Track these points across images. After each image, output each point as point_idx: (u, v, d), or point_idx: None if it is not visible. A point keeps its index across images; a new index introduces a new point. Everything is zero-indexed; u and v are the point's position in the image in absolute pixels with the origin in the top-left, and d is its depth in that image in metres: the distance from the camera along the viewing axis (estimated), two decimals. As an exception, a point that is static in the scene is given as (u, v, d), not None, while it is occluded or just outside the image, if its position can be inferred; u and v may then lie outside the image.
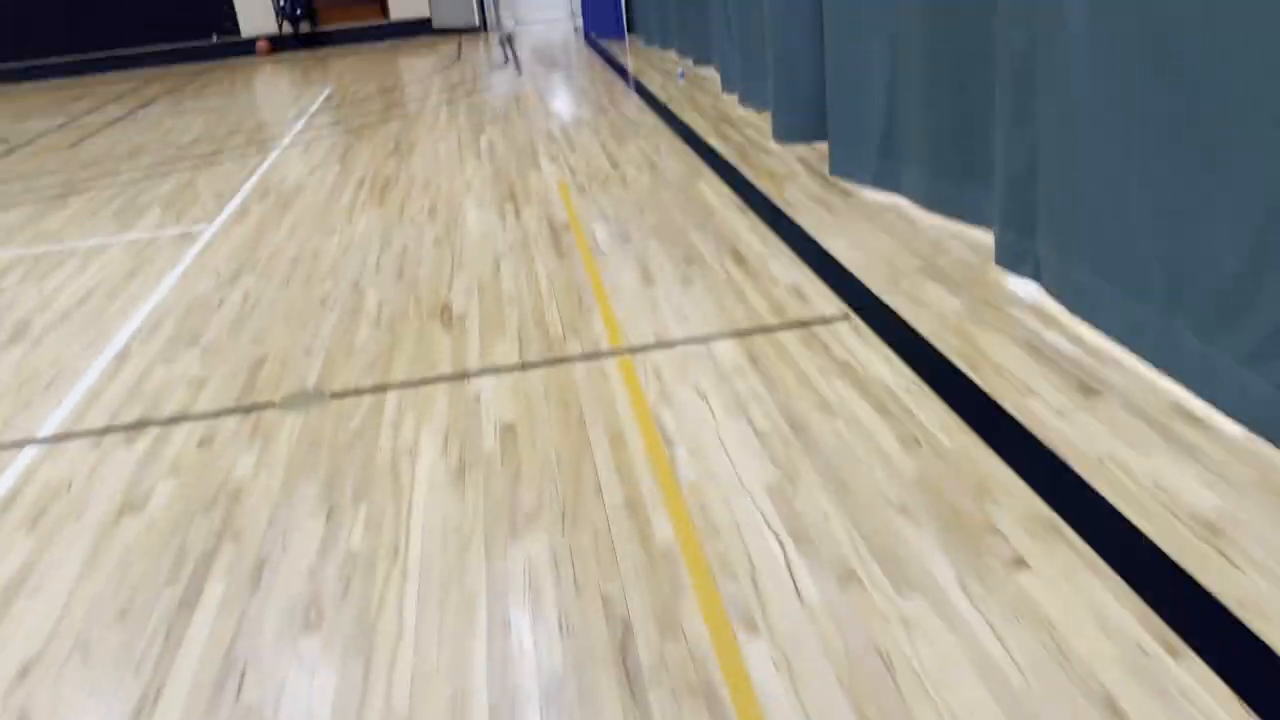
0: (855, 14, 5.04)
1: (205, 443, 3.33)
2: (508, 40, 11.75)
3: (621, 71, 10.84)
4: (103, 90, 14.12)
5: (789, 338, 3.61)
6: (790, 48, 6.06)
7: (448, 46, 15.01)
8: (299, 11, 16.08)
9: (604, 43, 13.40)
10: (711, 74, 9.10)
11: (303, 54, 16.12)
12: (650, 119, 7.99)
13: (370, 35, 16.48)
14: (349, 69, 13.78)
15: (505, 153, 7.38)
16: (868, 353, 3.43)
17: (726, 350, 3.58)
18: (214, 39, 16.41)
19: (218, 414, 3.55)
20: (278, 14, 16.14)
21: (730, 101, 8.04)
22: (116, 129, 10.55)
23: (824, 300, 3.93)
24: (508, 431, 3.17)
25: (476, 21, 16.34)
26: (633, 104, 8.89)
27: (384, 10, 16.82)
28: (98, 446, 3.41)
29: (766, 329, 3.71)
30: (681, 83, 9.83)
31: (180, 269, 5.39)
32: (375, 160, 7.62)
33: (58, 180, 8.24)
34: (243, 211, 6.45)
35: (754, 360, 3.46)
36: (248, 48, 16.37)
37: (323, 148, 8.39)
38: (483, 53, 14.09)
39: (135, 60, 16.22)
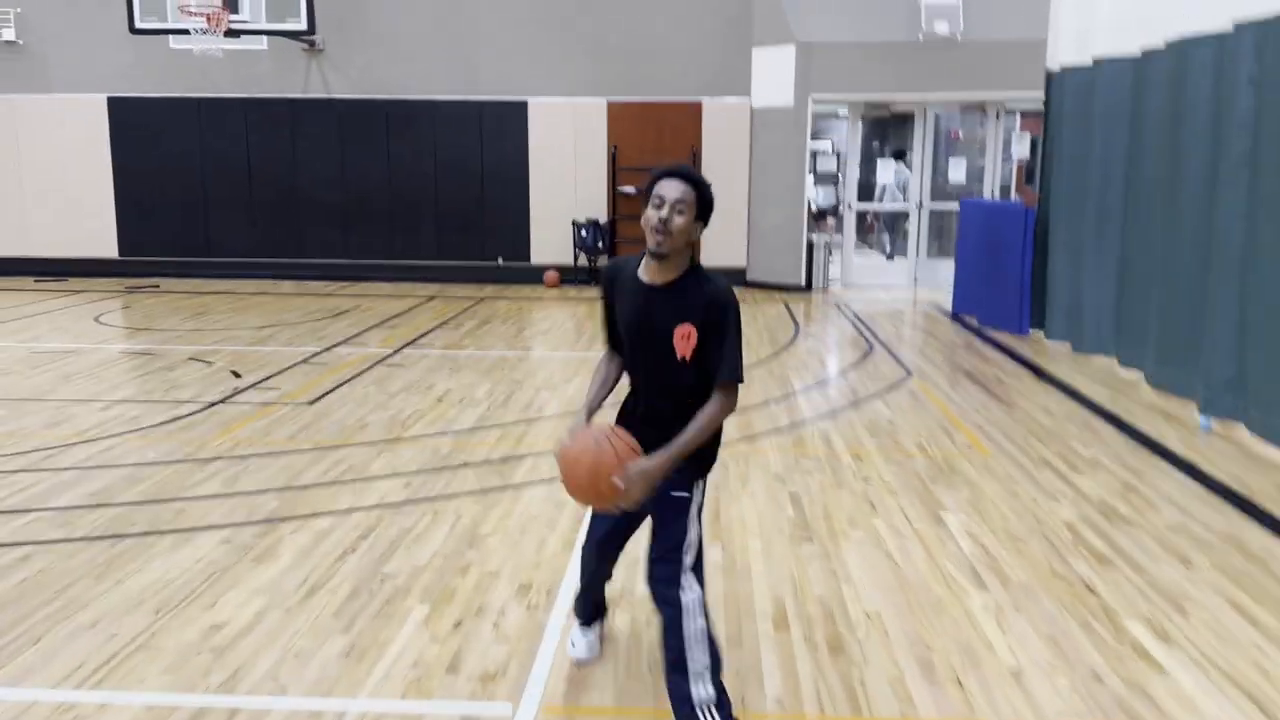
0: None
1: None
2: None
3: (1067, 392, 7.50)
4: (371, 306, 12.16)
5: None
6: None
7: (771, 307, 12.28)
8: (600, 244, 13.91)
9: (987, 331, 10.23)
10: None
11: (590, 291, 13.86)
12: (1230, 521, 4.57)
13: (671, 278, 14.12)
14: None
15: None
16: None
17: None
18: (500, 262, 14.47)
19: None
20: (577, 244, 14.03)
21: None
22: (373, 378, 8.11)
23: None
24: None
25: (802, 279, 13.61)
26: (1165, 478, 5.52)
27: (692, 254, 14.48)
28: None
29: None
30: (1206, 432, 6.36)
31: None
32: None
33: (275, 482, 5.59)
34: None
35: None
36: (534, 275, 14.32)
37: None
38: (824, 325, 11.17)
39: (412, 272, 14.46)
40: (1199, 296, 7.03)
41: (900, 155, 15.04)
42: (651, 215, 2.95)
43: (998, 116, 13.87)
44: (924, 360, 9.10)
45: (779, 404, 7.42)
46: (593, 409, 3.22)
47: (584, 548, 3.56)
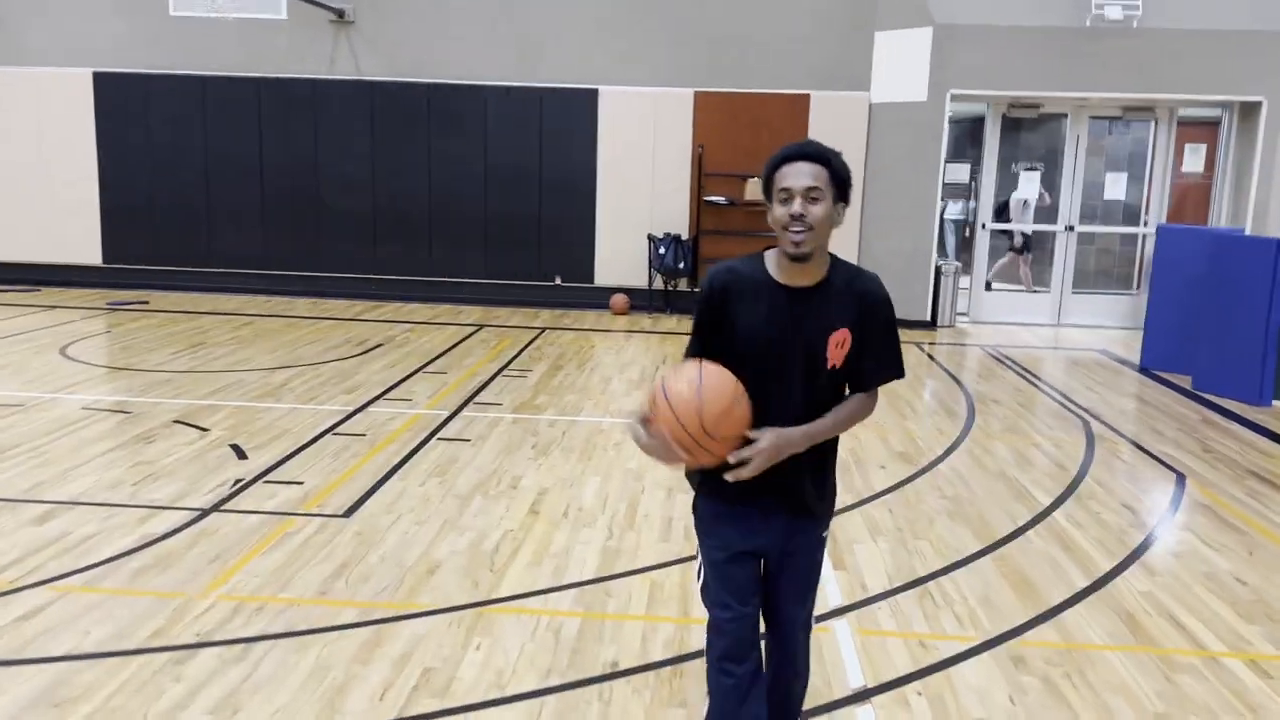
0: None
1: None
2: None
3: None
4: (406, 337, 9.79)
5: None
6: None
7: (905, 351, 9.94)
8: (682, 265, 11.52)
9: (1207, 397, 7.86)
10: None
11: (666, 321, 11.49)
12: None
13: (761, 306, 11.78)
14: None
15: None
16: None
17: None
18: (556, 281, 12.11)
19: None
20: (653, 264, 11.64)
21: None
22: (430, 465, 5.74)
23: None
24: None
25: (928, 314, 11.23)
26: None
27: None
28: None
29: None
30: None
31: None
32: None
33: (304, 714, 3.25)
34: None
35: None
36: (597, 299, 11.96)
37: None
38: (991, 383, 8.78)
39: (452, 290, 12.10)
40: None
41: (1032, 167, 12.70)
42: (781, 212, 2.51)
43: (1170, 123, 11.50)
44: (1175, 449, 6.70)
45: (1047, 539, 5.06)
46: None
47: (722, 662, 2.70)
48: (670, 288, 11.86)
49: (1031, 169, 12.80)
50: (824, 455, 2.67)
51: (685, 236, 11.75)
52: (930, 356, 9.94)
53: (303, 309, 11.45)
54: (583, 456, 6.14)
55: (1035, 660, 3.73)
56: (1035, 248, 13.11)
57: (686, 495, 5.47)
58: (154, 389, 7.53)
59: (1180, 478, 6.03)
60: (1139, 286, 11.94)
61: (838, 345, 2.56)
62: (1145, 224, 11.86)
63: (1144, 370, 9.24)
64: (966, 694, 3.47)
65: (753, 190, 11.46)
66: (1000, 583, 4.42)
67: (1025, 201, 12.45)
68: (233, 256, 12.38)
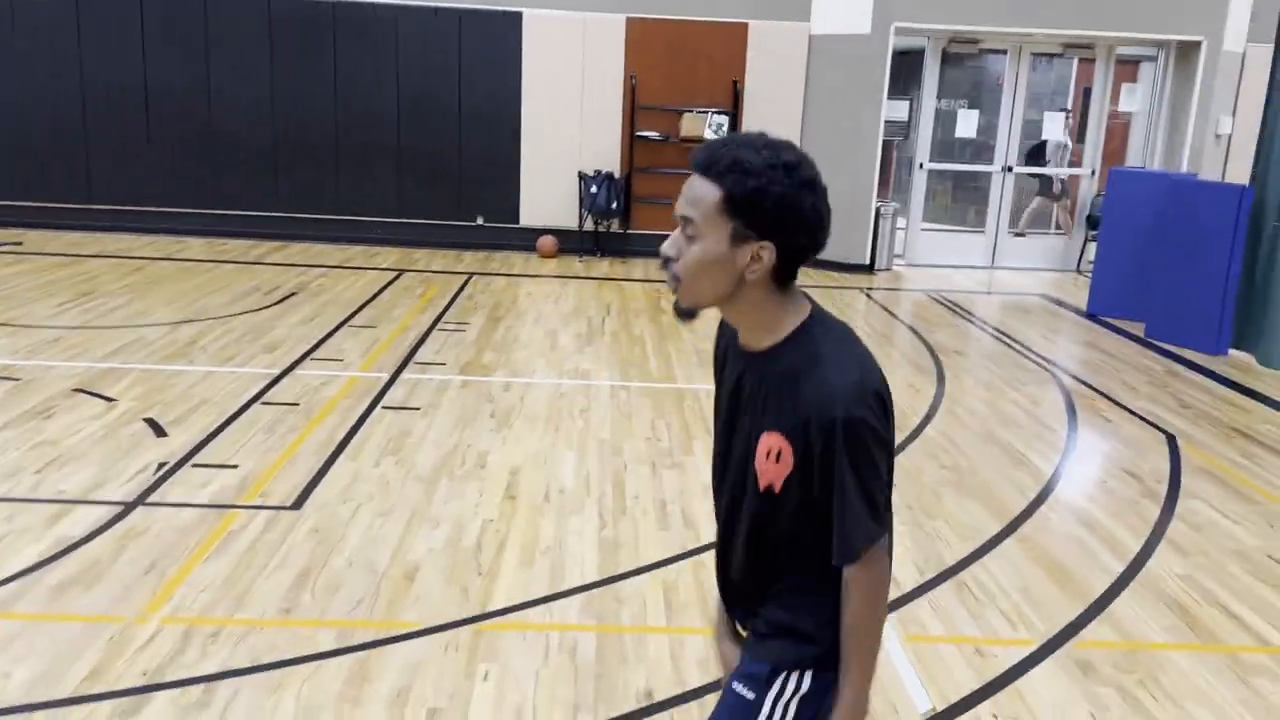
0: None
1: None
2: None
3: None
4: (321, 282, 8.95)
5: None
6: None
7: (851, 297, 9.55)
8: (614, 206, 10.87)
9: (1163, 345, 7.79)
10: None
11: (599, 264, 10.89)
12: None
13: (693, 247, 11.25)
14: (697, 321, 8.34)
15: None
16: None
17: None
18: (479, 221, 11.33)
19: None
20: (584, 204, 10.95)
21: None
22: (380, 439, 5.08)
23: None
24: None
25: (866, 257, 10.90)
26: None
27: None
28: None
29: None
30: None
31: None
32: None
33: None
34: None
35: None
36: (525, 240, 11.24)
37: None
38: (951, 332, 8.47)
39: (364, 230, 11.22)
40: None
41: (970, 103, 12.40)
42: None
43: (1109, 61, 11.33)
44: (1152, 404, 6.49)
45: (1063, 515, 4.77)
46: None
47: None
48: (602, 229, 11.24)
49: (1062, 110, 12.41)
50: (788, 577, 1.79)
51: (618, 175, 11.12)
52: (883, 306, 9.63)
53: (198, 251, 10.42)
54: (549, 426, 5.59)
55: (1104, 666, 3.41)
56: (969, 189, 12.92)
57: (671, 471, 5.02)
58: (43, 350, 6.61)
59: (1170, 439, 5.84)
60: (1073, 229, 11.89)
61: (768, 456, 1.68)
62: (1082, 166, 11.76)
63: (1090, 316, 9.13)
64: (1045, 712, 3.13)
65: (689, 125, 10.87)
66: (1033, 569, 4.10)
67: (1061, 145, 12.11)
68: (116, 192, 11.17)
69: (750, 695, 1.80)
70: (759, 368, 1.72)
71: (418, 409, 5.79)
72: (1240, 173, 8.53)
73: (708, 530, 4.29)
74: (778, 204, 1.61)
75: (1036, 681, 3.30)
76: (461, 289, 9.27)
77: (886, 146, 11.41)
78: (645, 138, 11.04)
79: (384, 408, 5.79)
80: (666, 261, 1.69)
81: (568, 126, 11.14)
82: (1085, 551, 4.30)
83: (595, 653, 3.35)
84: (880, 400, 1.64)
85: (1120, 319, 8.83)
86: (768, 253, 1.62)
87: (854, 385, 1.61)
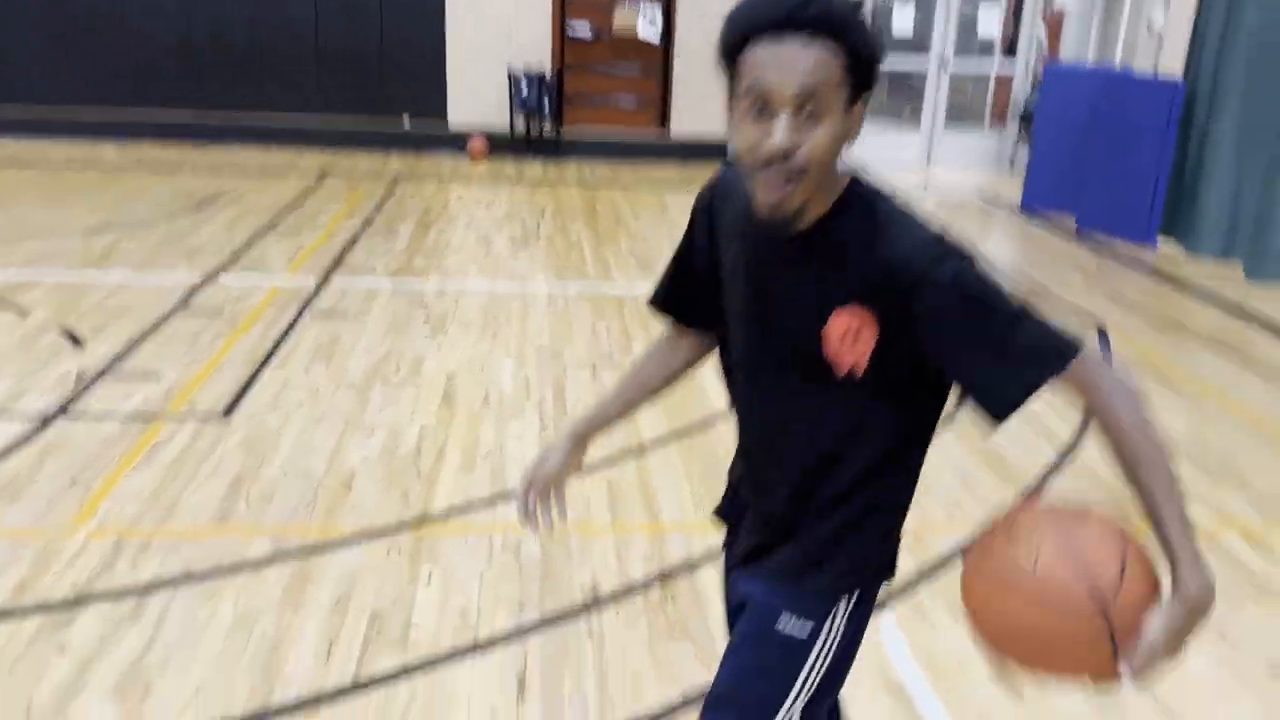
0: None
1: None
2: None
3: None
4: (242, 187, 8.59)
5: None
6: None
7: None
8: (545, 106, 10.56)
9: (1095, 237, 7.84)
10: None
11: (532, 166, 10.62)
12: None
13: (633, 151, 11.04)
14: (634, 223, 8.18)
15: None
16: None
17: None
18: (406, 123, 10.95)
19: None
20: (514, 104, 10.61)
21: None
22: (309, 346, 4.91)
23: None
24: None
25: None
26: None
27: (662, 120, 11.34)
28: None
29: None
30: None
31: None
32: None
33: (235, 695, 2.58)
34: None
35: None
36: (451, 142, 10.90)
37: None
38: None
39: (286, 133, 10.77)
40: None
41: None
42: (750, 136, 1.35)
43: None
44: (1084, 296, 6.58)
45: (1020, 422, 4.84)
46: (595, 423, 1.81)
47: None
48: (535, 131, 10.94)
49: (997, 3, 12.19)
50: (834, 481, 1.55)
51: (548, 75, 10.78)
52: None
53: (111, 155, 9.94)
54: (485, 332, 5.48)
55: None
56: (904, 86, 12.81)
57: (613, 374, 4.96)
58: (-54, 261, 6.29)
59: (1101, 331, 5.93)
60: (1005, 125, 11.89)
61: (845, 338, 1.45)
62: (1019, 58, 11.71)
63: (1025, 209, 9.19)
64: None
65: (623, 19, 10.56)
66: (971, 460, 4.16)
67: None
68: (14, 89, 10.55)
69: (803, 635, 1.56)
70: (804, 247, 1.46)
71: (347, 316, 5.63)
72: (1173, 65, 8.55)
73: (650, 429, 4.26)
74: (877, 54, 1.38)
75: (975, 567, 3.36)
76: (390, 193, 9.00)
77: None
78: (577, 37, 10.71)
79: (312, 316, 5.62)
80: (785, 156, 1.35)
81: (496, 18, 10.73)
82: (1020, 442, 4.36)
83: (539, 552, 3.33)
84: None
85: (1053, 210, 8.90)
86: (861, 112, 1.40)
87: (936, 237, 1.41)
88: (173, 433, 4.08)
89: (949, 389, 1.52)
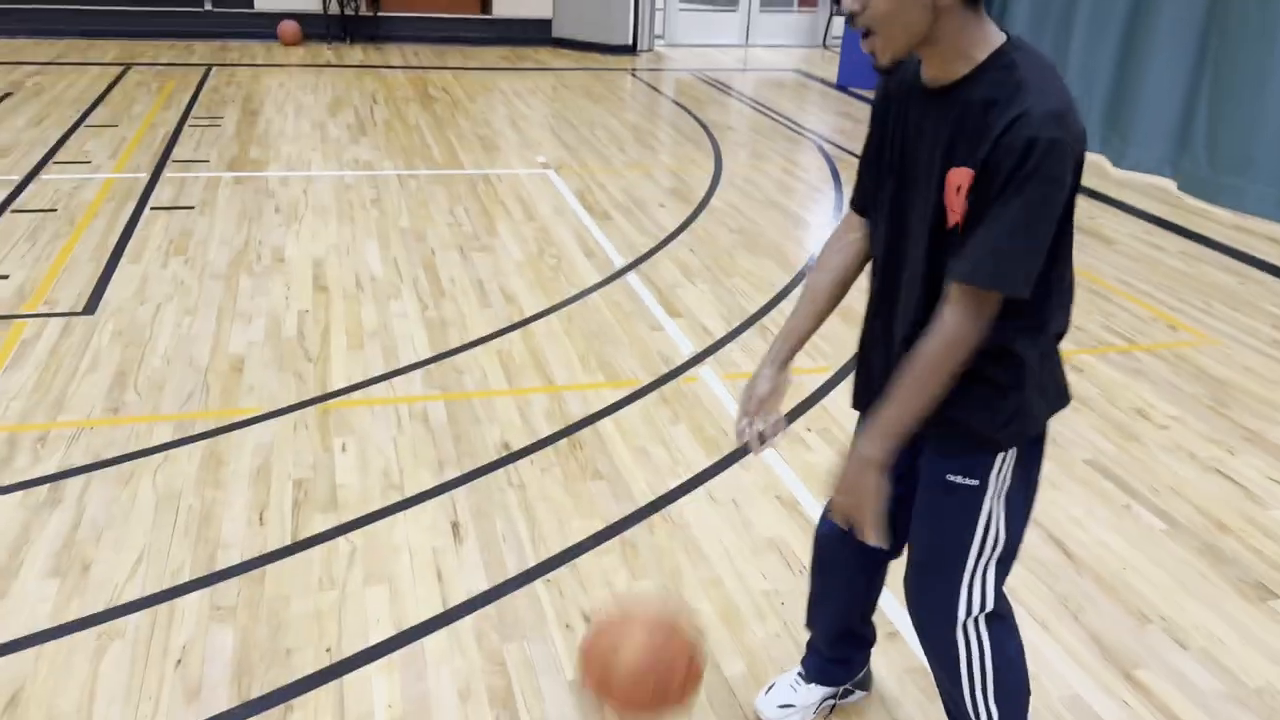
0: None
1: None
2: None
3: (1144, 216, 5.82)
4: (41, 80, 7.94)
5: None
6: None
7: (617, 79, 9.53)
8: (362, -14, 10.14)
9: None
10: None
11: (351, 51, 10.25)
12: None
13: (454, 35, 10.79)
14: (472, 106, 8.15)
15: None
16: None
17: None
18: (206, 6, 10.28)
19: None
20: (328, -14, 10.15)
21: None
22: (161, 238, 4.72)
23: None
24: None
25: (629, 37, 10.84)
26: None
27: (484, 1, 11.06)
28: None
29: None
30: None
31: None
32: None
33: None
34: None
35: None
36: (263, 27, 10.35)
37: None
38: (728, 115, 8.70)
39: (77, 19, 9.93)
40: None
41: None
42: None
43: None
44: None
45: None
46: (791, 341, 1.90)
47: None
48: (349, 12, 10.51)
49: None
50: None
51: (361, -48, 10.35)
52: (650, 86, 9.73)
53: None
54: (343, 217, 5.44)
55: (892, 383, 3.93)
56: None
57: (482, 254, 5.06)
58: None
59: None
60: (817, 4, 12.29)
61: (958, 193, 1.55)
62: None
63: (840, 88, 9.67)
64: (846, 420, 3.60)
65: (436, -103, 10.19)
66: (823, 312, 4.57)
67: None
68: None
69: (972, 481, 1.71)
70: (948, 106, 1.56)
71: (192, 208, 5.45)
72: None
73: (530, 303, 4.44)
74: None
75: (838, 398, 3.76)
76: (203, 82, 8.54)
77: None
78: (389, -89, 10.29)
79: (153, 209, 5.41)
80: (852, 17, 1.52)
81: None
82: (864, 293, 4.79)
83: (447, 417, 3.49)
84: (1082, 139, 1.50)
85: (868, 89, 9.42)
86: None
87: (1055, 113, 1.45)
88: (39, 330, 3.95)
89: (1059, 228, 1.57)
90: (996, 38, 1.53)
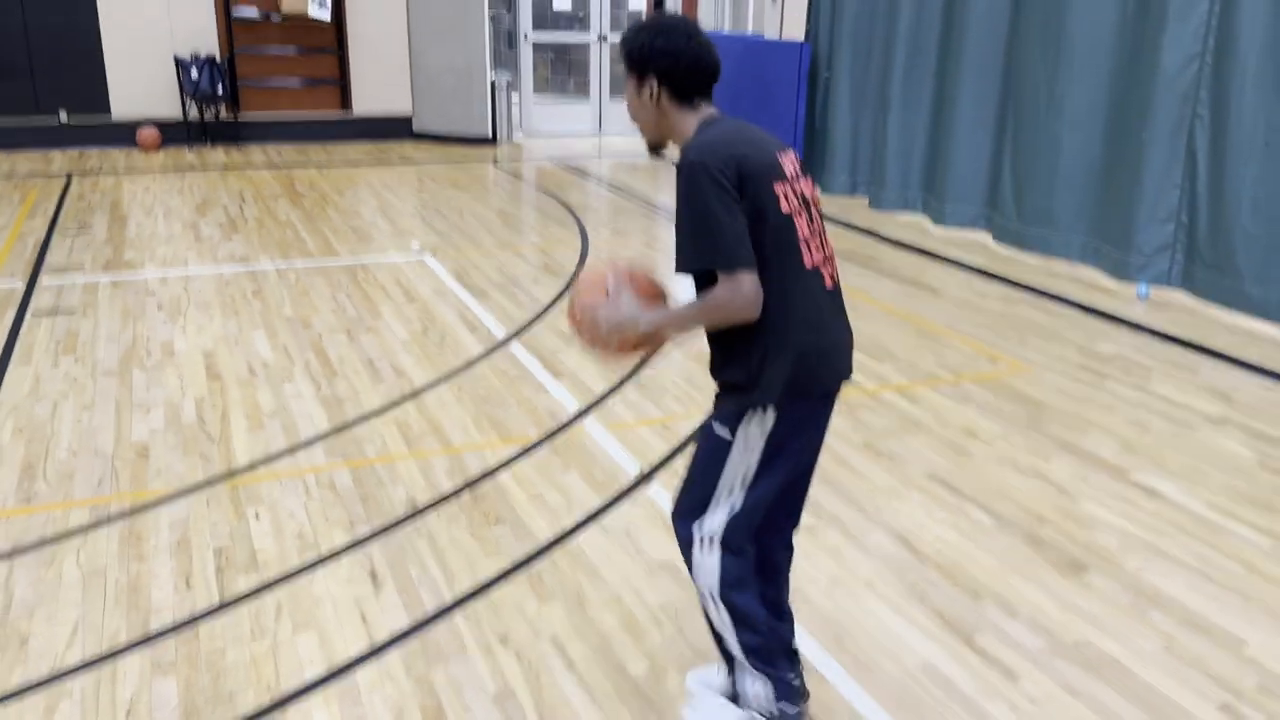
0: None
1: None
2: None
3: (965, 267, 6.53)
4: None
5: None
6: None
7: (478, 169, 9.96)
8: (219, 90, 10.33)
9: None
10: None
11: (214, 153, 10.40)
12: None
13: (316, 133, 11.06)
14: (340, 199, 8.44)
15: None
16: None
17: None
18: (62, 118, 10.28)
19: None
20: (185, 90, 10.28)
21: None
22: (48, 342, 4.79)
23: None
24: None
25: (489, 129, 11.33)
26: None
27: (343, 99, 11.38)
28: None
29: None
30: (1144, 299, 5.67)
31: None
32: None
33: None
34: None
35: None
36: (120, 135, 10.40)
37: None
38: (601, 207, 9.20)
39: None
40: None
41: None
42: None
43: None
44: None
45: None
46: None
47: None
48: (209, 117, 10.68)
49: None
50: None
51: (218, 57, 10.55)
52: (513, 174, 10.20)
53: None
54: (227, 310, 5.64)
55: (757, 423, 4.38)
56: (567, 60, 13.68)
57: (368, 335, 5.33)
58: None
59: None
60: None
61: None
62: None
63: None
64: (722, 460, 4.01)
65: (291, 2, 10.55)
66: (689, 363, 5.01)
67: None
68: None
69: (724, 430, 2.28)
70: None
71: (74, 311, 5.56)
72: (795, 31, 9.97)
73: (419, 376, 4.74)
74: (634, 52, 2.28)
75: (712, 441, 4.18)
76: (65, 190, 8.58)
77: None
78: (244, 19, 10.57)
79: (34, 315, 5.50)
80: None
81: (152, 4, 10.36)
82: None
83: (353, 481, 3.75)
84: (733, 161, 2.12)
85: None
86: (651, 83, 2.26)
87: (706, 144, 2.17)
88: (-66, 434, 4.03)
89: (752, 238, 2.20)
90: (706, 119, 2.28)
